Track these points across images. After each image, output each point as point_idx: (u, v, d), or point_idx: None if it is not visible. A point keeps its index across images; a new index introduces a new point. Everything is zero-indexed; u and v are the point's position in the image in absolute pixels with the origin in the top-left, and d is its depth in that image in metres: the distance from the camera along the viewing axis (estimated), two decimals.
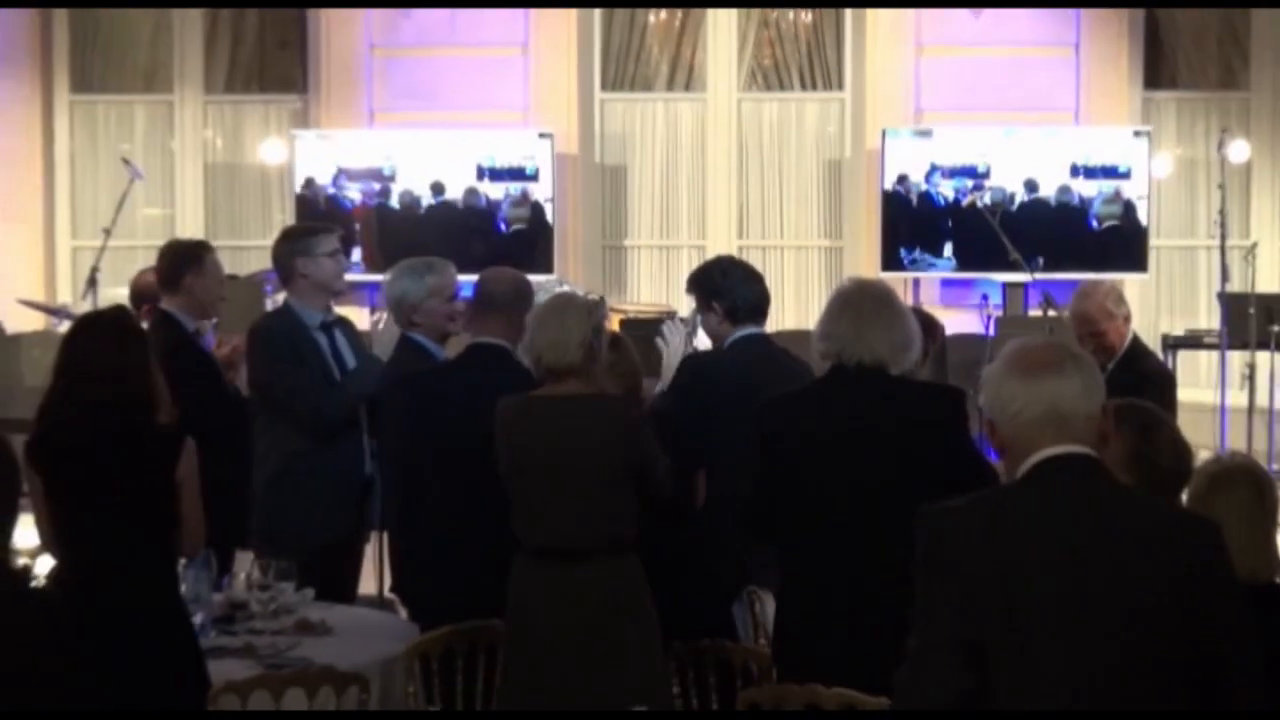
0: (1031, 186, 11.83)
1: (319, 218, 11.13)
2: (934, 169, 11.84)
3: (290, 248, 6.37)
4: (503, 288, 5.59)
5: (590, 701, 4.77)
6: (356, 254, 11.70)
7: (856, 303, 4.62)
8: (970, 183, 11.80)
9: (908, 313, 4.68)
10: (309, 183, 12.03)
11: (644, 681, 4.86)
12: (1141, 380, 6.26)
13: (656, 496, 4.99)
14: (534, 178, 11.99)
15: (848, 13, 12.42)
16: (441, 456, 5.38)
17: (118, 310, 4.97)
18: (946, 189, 11.84)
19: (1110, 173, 11.82)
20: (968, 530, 2.91)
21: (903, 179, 11.85)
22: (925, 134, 11.89)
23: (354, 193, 12.03)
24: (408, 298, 6.11)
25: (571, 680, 4.85)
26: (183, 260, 6.53)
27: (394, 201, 12.02)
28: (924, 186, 11.86)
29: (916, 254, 11.87)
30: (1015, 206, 11.78)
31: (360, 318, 10.40)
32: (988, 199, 11.60)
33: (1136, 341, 6.77)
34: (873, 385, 4.54)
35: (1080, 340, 6.60)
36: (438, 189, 12.01)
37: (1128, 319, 6.69)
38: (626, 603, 4.91)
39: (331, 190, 12.01)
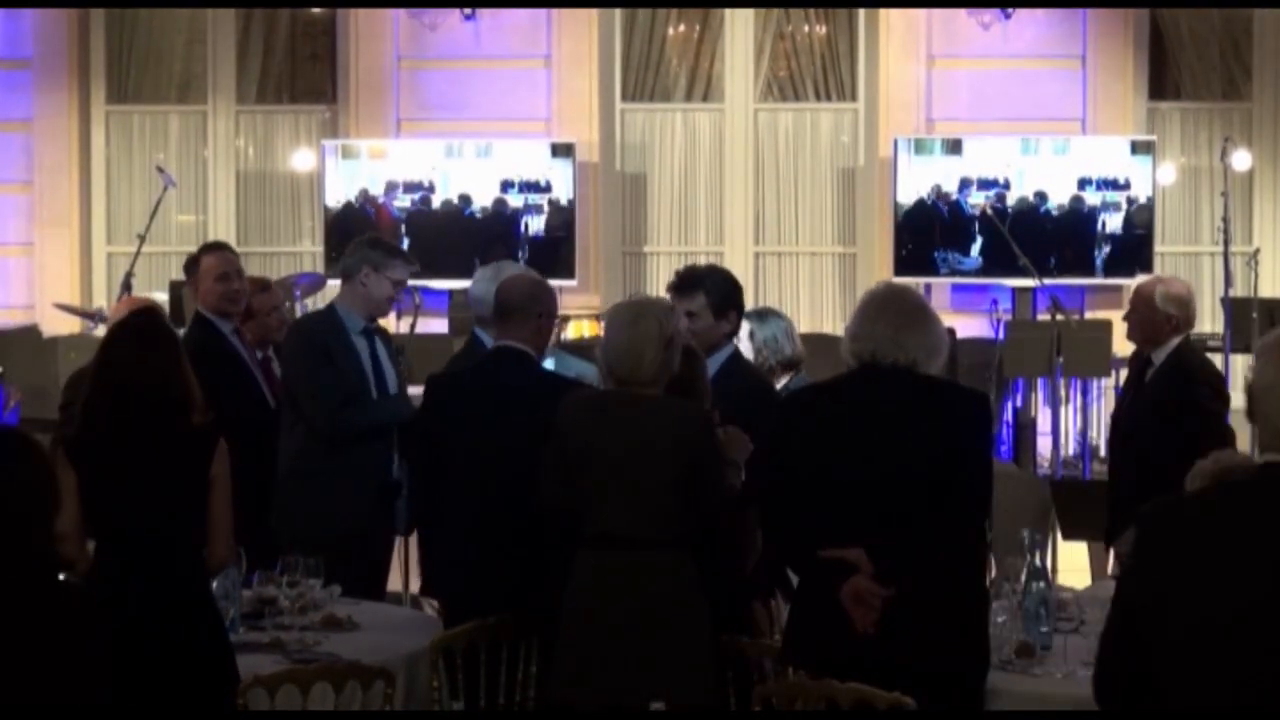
0: (1042, 196, 11.93)
1: (357, 224, 11.37)
2: (965, 183, 11.96)
3: (365, 253, 6.28)
4: (514, 293, 5.62)
5: (634, 689, 4.81)
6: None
7: (894, 306, 4.63)
8: (993, 193, 11.93)
9: (939, 320, 4.71)
10: (364, 193, 12.14)
11: (688, 672, 4.88)
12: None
13: (708, 501, 4.98)
14: (556, 186, 12.09)
15: (861, 26, 12.44)
16: (459, 455, 5.42)
17: (153, 311, 4.97)
18: (977, 199, 11.96)
19: (1116, 181, 11.91)
20: (1177, 528, 2.84)
21: (937, 189, 11.99)
22: (954, 149, 12.00)
23: (401, 200, 12.13)
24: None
25: (618, 667, 4.88)
26: (186, 268, 6.64)
27: (419, 209, 12.13)
28: (955, 196, 11.99)
29: (949, 254, 12.03)
30: (1027, 213, 11.89)
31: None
32: (1008, 205, 11.86)
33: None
34: (904, 384, 4.55)
35: (1171, 322, 6.54)
36: (465, 199, 12.10)
37: None
38: (679, 595, 4.92)
39: (356, 199, 12.11)
